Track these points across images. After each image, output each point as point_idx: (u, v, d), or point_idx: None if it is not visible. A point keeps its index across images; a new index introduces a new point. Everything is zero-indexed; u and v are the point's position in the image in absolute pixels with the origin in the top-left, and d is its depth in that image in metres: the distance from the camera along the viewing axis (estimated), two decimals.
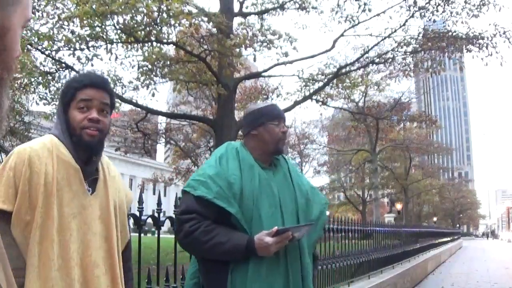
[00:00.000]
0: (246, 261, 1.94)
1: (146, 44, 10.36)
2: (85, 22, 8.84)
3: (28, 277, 1.43)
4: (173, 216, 2.85)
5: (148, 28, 9.32)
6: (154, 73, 11.44)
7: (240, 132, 16.10)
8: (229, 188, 1.98)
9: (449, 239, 23.20)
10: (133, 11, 8.75)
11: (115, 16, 8.97)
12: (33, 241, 1.46)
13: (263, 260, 1.95)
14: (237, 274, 1.95)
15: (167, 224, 2.90)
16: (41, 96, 11.55)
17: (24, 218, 1.47)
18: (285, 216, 2.05)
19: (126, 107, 17.45)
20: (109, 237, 1.63)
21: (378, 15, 12.58)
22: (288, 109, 13.42)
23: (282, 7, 12.46)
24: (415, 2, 12.27)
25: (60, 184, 1.53)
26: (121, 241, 1.72)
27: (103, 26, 9.38)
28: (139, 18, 9.22)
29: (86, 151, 1.62)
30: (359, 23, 12.70)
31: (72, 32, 9.69)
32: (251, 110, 2.21)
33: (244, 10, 12.50)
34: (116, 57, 10.90)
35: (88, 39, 9.50)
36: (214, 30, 10.33)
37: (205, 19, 9.78)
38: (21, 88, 10.86)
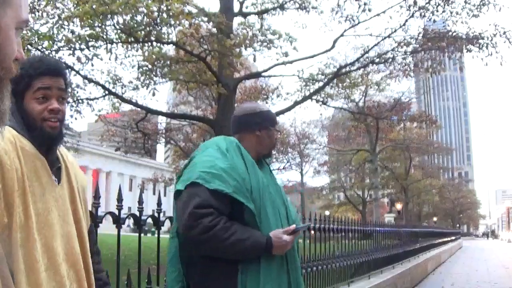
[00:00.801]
0: (257, 260, 1.92)
1: (146, 44, 10.35)
2: (85, 22, 8.84)
3: (17, 284, 1.32)
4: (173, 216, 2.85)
5: (148, 28, 9.32)
6: (154, 73, 11.45)
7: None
8: (244, 183, 1.94)
9: (449, 239, 23.20)
10: (133, 11, 8.76)
11: (115, 16, 8.97)
12: (15, 245, 1.33)
13: (273, 259, 1.95)
14: (248, 274, 1.91)
15: (167, 224, 2.90)
16: None
17: (2, 221, 1.33)
18: (281, 215, 2.06)
19: (126, 107, 17.44)
20: (79, 225, 1.56)
21: (378, 15, 12.58)
22: (288, 109, 13.43)
23: (282, 7, 12.46)
24: (415, 2, 12.27)
25: (30, 179, 1.41)
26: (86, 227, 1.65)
27: (103, 26, 9.38)
28: (139, 18, 9.23)
29: (47, 142, 1.51)
30: (359, 23, 12.71)
31: (72, 32, 9.69)
32: (256, 110, 2.20)
33: (244, 10, 12.50)
34: (116, 57, 10.91)
35: (88, 39, 9.50)
36: (214, 30, 10.33)
37: (205, 19, 9.79)
38: None
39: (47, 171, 1.48)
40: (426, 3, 12.35)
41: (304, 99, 13.65)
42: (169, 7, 8.73)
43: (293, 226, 1.93)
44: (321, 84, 13.40)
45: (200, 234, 1.88)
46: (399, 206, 37.64)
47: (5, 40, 0.80)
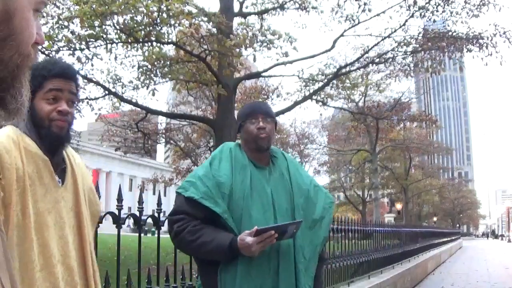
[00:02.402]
0: (235, 260, 1.95)
1: (146, 44, 10.35)
2: (85, 22, 8.84)
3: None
4: None
5: (148, 28, 9.32)
6: (154, 73, 11.44)
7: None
8: (217, 188, 2.00)
9: (449, 239, 23.20)
10: (133, 11, 8.75)
11: (115, 16, 8.97)
12: (11, 243, 1.32)
13: (253, 260, 1.94)
14: (226, 274, 1.96)
15: (167, 224, 2.91)
16: None
17: None
18: (278, 216, 2.03)
19: (126, 107, 17.43)
20: (81, 228, 1.55)
21: (378, 15, 12.57)
22: (288, 109, 13.43)
23: (282, 7, 12.45)
24: (415, 2, 12.26)
25: (32, 179, 1.42)
26: (92, 230, 1.64)
27: (103, 26, 9.37)
28: (139, 18, 9.22)
29: (53, 143, 1.53)
30: (359, 23, 12.70)
31: (72, 32, 9.68)
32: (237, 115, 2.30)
33: (244, 10, 12.49)
34: (116, 57, 10.92)
35: (88, 39, 9.49)
36: (214, 30, 10.32)
37: (205, 19, 9.78)
38: None
39: (50, 172, 1.48)
40: (426, 3, 12.34)
41: (304, 99, 13.65)
42: (169, 7, 8.73)
43: (255, 228, 1.90)
44: (321, 84, 13.40)
45: (173, 238, 2.06)
46: (399, 206, 37.66)
47: (21, 22, 0.76)
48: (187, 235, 1.98)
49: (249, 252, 1.91)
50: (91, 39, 9.56)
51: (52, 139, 1.51)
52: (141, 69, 11.40)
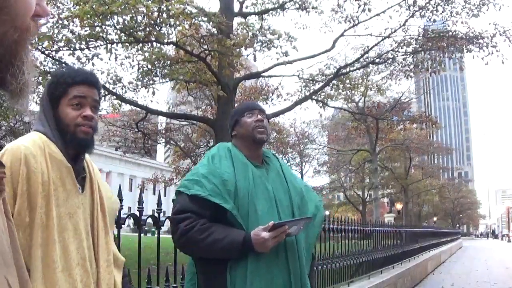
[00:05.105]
0: (245, 258, 1.94)
1: (146, 44, 10.35)
2: (85, 22, 8.83)
3: (33, 282, 1.38)
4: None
5: (148, 29, 9.32)
6: (154, 73, 11.44)
7: None
8: (223, 185, 2.00)
9: (449, 239, 23.20)
10: (133, 12, 8.75)
11: (115, 16, 8.97)
12: (35, 244, 1.40)
13: (262, 256, 1.95)
14: (236, 271, 1.95)
15: (167, 224, 2.91)
16: (41, 96, 11.52)
17: (25, 220, 1.41)
18: (281, 212, 2.06)
19: (126, 107, 17.43)
20: (97, 235, 1.61)
21: (378, 15, 12.56)
22: (289, 109, 13.44)
23: (282, 7, 12.46)
24: (415, 2, 12.26)
25: (55, 184, 1.49)
26: (109, 237, 1.68)
27: (103, 26, 9.37)
28: (139, 18, 9.22)
29: (76, 149, 1.59)
30: (359, 23, 12.69)
31: (72, 32, 9.68)
32: (229, 116, 2.31)
33: (244, 10, 12.50)
34: (116, 57, 10.91)
35: (88, 39, 9.49)
36: (214, 30, 10.32)
37: (205, 19, 9.78)
38: None
39: (72, 179, 1.55)
40: (426, 3, 12.34)
41: (304, 99, 13.65)
42: (169, 8, 8.73)
43: (271, 223, 1.91)
44: (321, 84, 13.40)
45: (179, 238, 2.00)
46: (399, 206, 37.63)
47: None
48: (197, 233, 1.94)
49: (264, 247, 1.91)
50: (91, 39, 9.56)
51: (77, 144, 1.57)
52: (141, 70, 11.40)
